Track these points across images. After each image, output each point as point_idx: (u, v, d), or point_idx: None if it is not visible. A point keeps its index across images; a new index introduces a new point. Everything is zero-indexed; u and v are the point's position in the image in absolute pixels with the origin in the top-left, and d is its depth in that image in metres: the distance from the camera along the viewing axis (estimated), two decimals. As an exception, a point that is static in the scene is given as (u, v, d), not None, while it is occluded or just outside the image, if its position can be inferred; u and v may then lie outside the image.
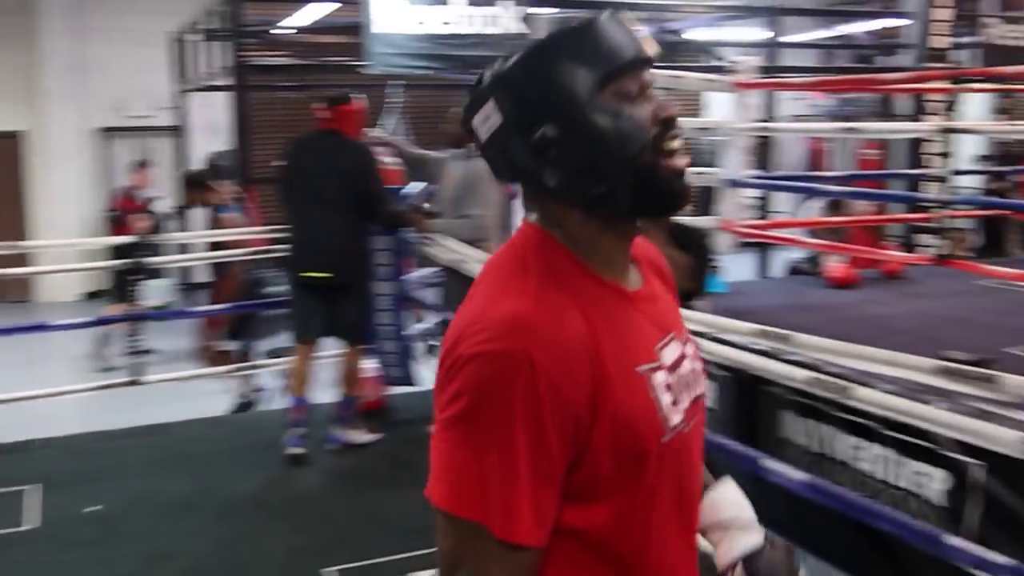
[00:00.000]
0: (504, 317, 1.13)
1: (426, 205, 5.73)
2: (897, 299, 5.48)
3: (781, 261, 8.87)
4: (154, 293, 8.66)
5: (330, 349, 5.48)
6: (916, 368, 2.18)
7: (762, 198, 9.38)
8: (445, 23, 7.82)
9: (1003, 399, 1.92)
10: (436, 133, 5.68)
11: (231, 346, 6.64)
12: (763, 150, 9.57)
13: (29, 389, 5.76)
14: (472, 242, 5.19)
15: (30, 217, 12.36)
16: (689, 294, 4.06)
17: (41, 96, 12.19)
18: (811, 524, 3.72)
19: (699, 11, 10.69)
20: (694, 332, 3.32)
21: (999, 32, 9.44)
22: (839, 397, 2.37)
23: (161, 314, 7.89)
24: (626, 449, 1.16)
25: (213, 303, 6.61)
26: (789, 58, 11.44)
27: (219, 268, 6.67)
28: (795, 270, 6.90)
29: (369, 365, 5.67)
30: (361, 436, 5.30)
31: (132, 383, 5.96)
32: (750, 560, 1.35)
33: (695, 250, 4.20)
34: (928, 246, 4.48)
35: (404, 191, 6.05)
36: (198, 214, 7.12)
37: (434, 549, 1.19)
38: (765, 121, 8.96)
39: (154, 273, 7.24)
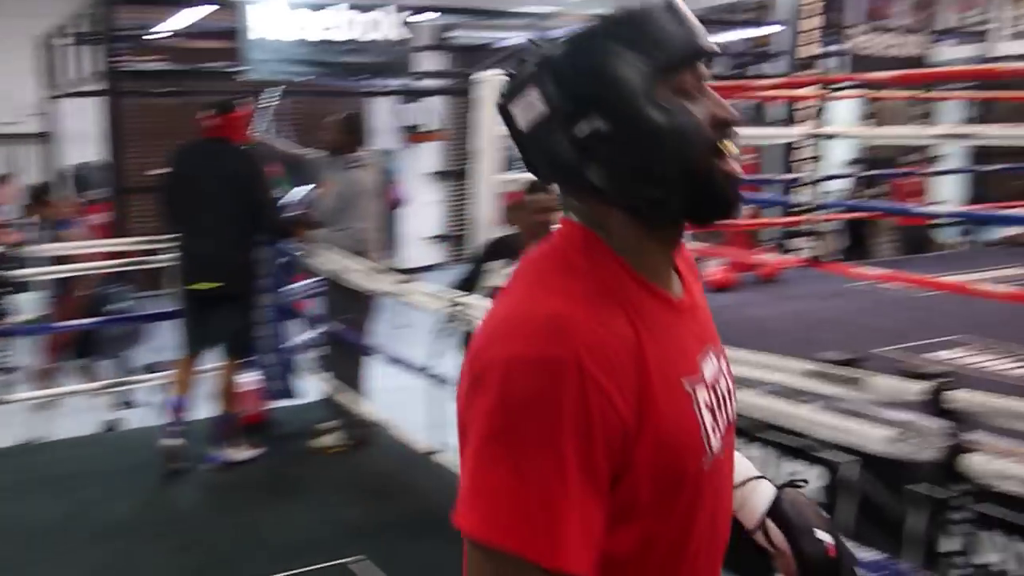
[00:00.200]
0: (548, 318, 1.02)
1: (308, 214, 5.63)
2: (773, 301, 5.62)
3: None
4: (24, 307, 8.30)
5: (212, 362, 5.34)
6: (789, 371, 2.21)
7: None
8: (325, 29, 7.73)
9: (870, 398, 1.96)
10: (315, 140, 5.58)
11: (77, 364, 6.44)
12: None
13: None
14: (353, 254, 5.12)
15: None
16: None
17: None
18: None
19: (579, 19, 10.78)
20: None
21: (864, 40, 9.80)
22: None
23: (19, 329, 7.56)
24: (665, 471, 1.07)
25: (57, 320, 6.39)
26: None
27: (62, 284, 6.46)
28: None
29: (249, 378, 5.53)
30: (241, 453, 5.17)
31: (-2, 403, 5.69)
32: (775, 510, 1.29)
33: None
34: (801, 249, 4.59)
35: (285, 199, 5.93)
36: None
37: (319, 566, 1.12)
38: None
39: (21, 287, 6.94)
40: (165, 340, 5.83)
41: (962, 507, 1.91)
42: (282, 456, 5.26)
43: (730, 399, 1.21)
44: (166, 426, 5.02)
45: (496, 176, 5.43)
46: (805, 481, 1.38)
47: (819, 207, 4.47)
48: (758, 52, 11.98)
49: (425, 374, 4.21)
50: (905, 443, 1.89)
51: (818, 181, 4.50)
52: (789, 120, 8.09)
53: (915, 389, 1.88)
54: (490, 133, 5.41)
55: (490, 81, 5.41)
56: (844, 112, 10.81)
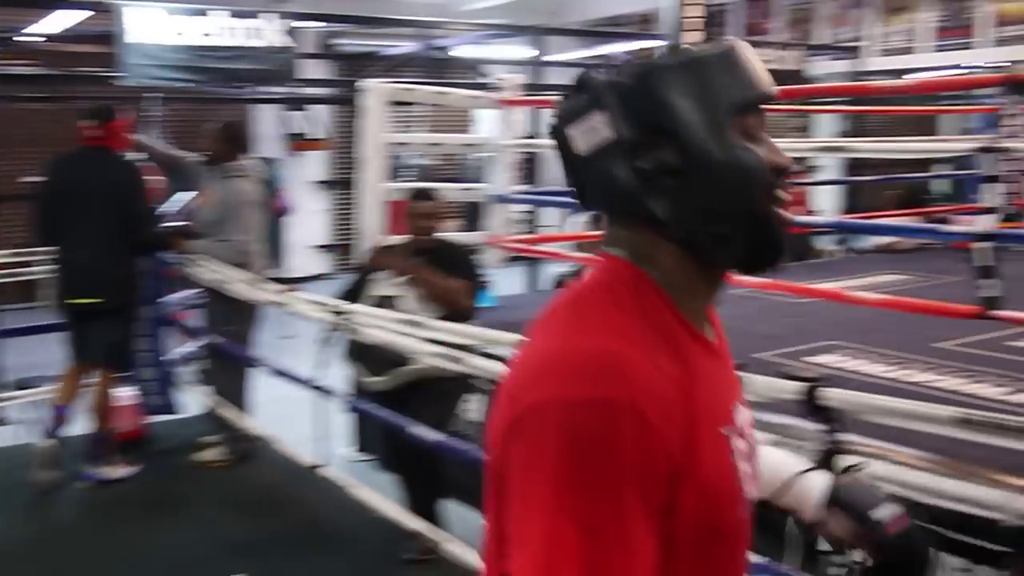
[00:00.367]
0: (601, 356, 0.99)
1: (187, 224, 5.49)
2: (657, 309, 5.69)
3: (549, 274, 9.08)
4: None
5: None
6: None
7: (531, 213, 9.58)
8: (205, 35, 7.56)
9: (750, 399, 1.99)
10: (196, 148, 5.44)
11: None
12: (531, 166, 9.79)
13: None
14: (235, 265, 5.00)
15: None
16: (465, 314, 4.09)
17: None
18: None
19: (466, 29, 10.84)
20: (459, 347, 3.34)
21: (743, 55, 10.04)
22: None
23: None
24: (705, 519, 1.03)
25: None
26: (557, 76, 11.78)
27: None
28: (561, 283, 7.06)
29: (127, 393, 5.36)
30: (117, 471, 5.00)
31: None
32: (837, 497, 1.27)
33: (466, 269, 4.21)
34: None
35: (164, 208, 5.78)
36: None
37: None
38: (531, 137, 9.16)
39: None
40: (39, 356, 5.61)
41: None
42: (162, 472, 5.11)
43: (755, 453, 1.19)
44: (43, 429, 4.84)
45: (382, 185, 5.39)
46: (860, 466, 1.37)
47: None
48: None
49: (310, 386, 4.14)
50: (782, 448, 1.92)
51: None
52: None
53: (791, 387, 1.92)
54: (376, 141, 5.37)
55: (375, 89, 5.37)
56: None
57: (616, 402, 0.95)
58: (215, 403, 5.24)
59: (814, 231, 9.74)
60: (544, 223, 11.04)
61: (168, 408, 5.55)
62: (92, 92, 7.78)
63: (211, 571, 3.89)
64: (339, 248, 12.50)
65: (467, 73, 11.36)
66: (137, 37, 7.29)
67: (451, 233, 6.34)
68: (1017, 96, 3.36)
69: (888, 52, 12.17)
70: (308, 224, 12.26)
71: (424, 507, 3.97)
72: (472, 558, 3.38)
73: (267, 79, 8.08)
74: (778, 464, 1.33)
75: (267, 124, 11.90)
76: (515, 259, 8.13)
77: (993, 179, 3.28)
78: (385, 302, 4.00)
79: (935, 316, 3.96)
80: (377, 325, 3.65)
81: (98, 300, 4.82)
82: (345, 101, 8.33)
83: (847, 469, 1.33)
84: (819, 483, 1.30)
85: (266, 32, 7.72)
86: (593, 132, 1.07)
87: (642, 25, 13.92)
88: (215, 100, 8.96)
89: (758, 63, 1.10)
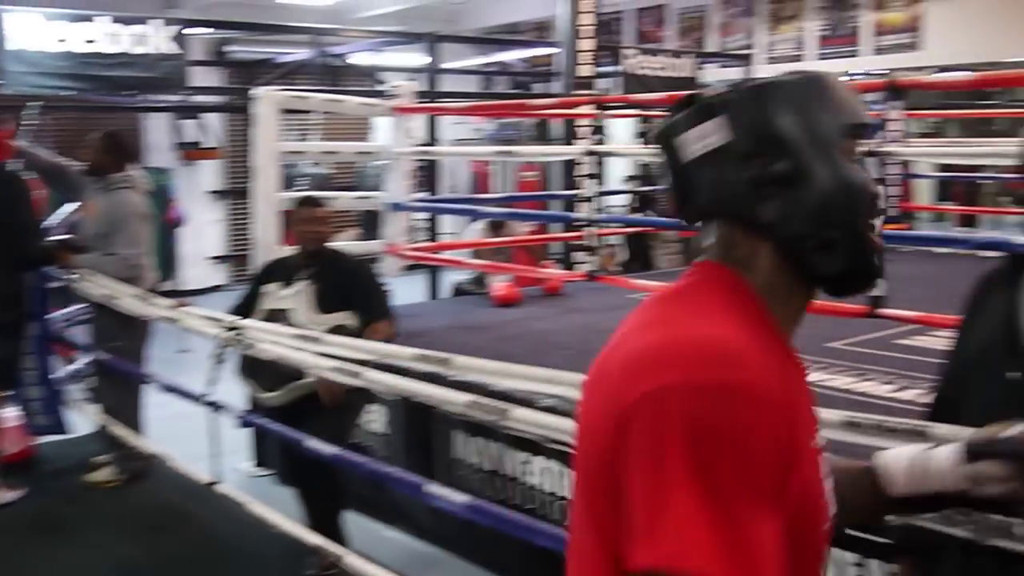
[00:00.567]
0: (717, 344, 1.01)
1: (72, 237, 5.29)
2: (558, 315, 5.72)
3: (450, 282, 9.07)
4: None
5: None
6: (567, 383, 2.24)
7: (431, 221, 9.54)
8: (88, 41, 7.32)
9: None
10: (80, 159, 5.25)
11: None
12: (430, 173, 9.75)
13: None
14: (124, 280, 4.84)
15: None
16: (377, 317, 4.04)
17: None
18: (484, 540, 3.78)
19: (360, 36, 10.75)
20: (355, 361, 3.29)
21: (637, 62, 10.21)
22: (498, 419, 2.40)
23: None
24: (797, 529, 1.03)
25: None
26: (453, 84, 11.76)
27: None
28: (459, 290, 7.05)
29: (11, 413, 5.16)
30: (2, 495, 4.80)
31: None
32: (980, 450, 1.26)
33: (363, 285, 4.16)
34: (582, 263, 4.70)
35: (48, 220, 5.59)
36: None
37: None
38: (428, 145, 9.14)
39: None
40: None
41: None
42: (51, 495, 4.93)
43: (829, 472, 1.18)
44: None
45: (276, 194, 5.30)
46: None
47: (595, 222, 4.59)
48: (541, 72, 12.28)
49: (203, 402, 4.04)
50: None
51: (596, 197, 4.62)
52: (569, 138, 8.30)
53: None
54: (269, 150, 5.28)
55: (268, 97, 5.28)
56: (622, 130, 11.23)
57: (740, 386, 0.97)
58: (105, 421, 5.07)
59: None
60: (446, 231, 11.04)
61: (56, 428, 5.35)
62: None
63: (103, 596, 3.77)
64: (235, 259, 12.28)
65: (363, 80, 11.26)
66: (17, 44, 7.04)
67: (348, 242, 6.28)
68: (896, 101, 3.46)
69: (775, 60, 12.48)
70: (203, 235, 12.02)
71: (324, 521, 3.90)
72: (374, 571, 3.33)
73: (156, 87, 7.87)
74: (905, 454, 1.34)
75: (159, 133, 11.62)
76: (415, 267, 8.10)
77: (878, 182, 3.37)
78: (276, 315, 3.92)
79: (825, 316, 4.06)
80: (270, 340, 3.57)
81: None
82: (238, 109, 8.17)
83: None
84: (950, 451, 1.30)
85: (153, 39, 7.52)
86: (706, 138, 1.12)
87: (537, 32, 14.02)
88: (103, 109, 8.68)
89: (855, 93, 1.18)
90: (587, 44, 8.75)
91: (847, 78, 10.69)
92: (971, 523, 1.51)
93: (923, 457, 1.31)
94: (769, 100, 1.11)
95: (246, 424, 3.94)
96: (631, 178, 11.35)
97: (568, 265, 7.42)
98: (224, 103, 10.48)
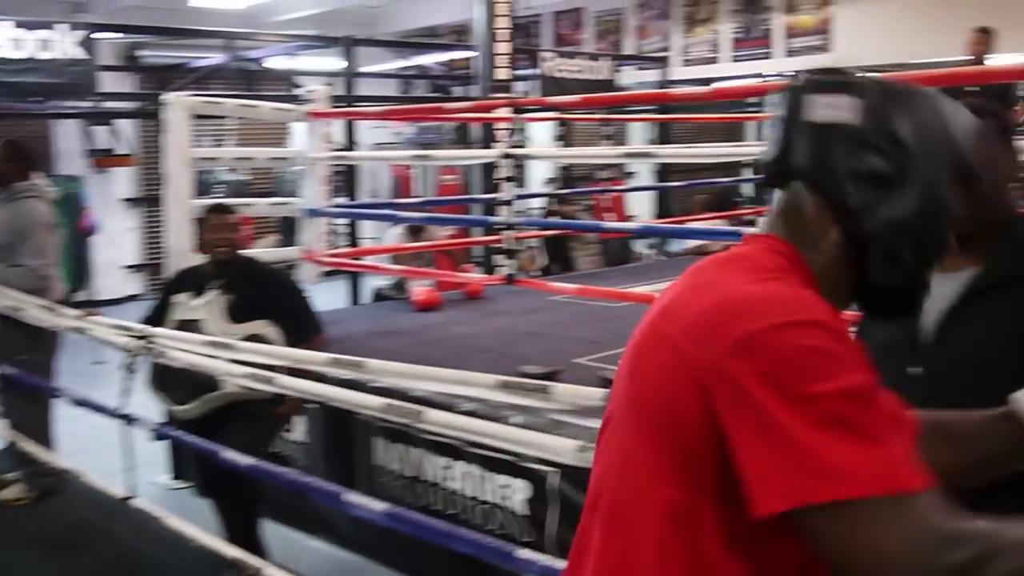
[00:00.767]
0: (794, 293, 1.06)
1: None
2: (478, 318, 5.71)
3: (370, 288, 9.01)
4: None
5: None
6: (480, 385, 2.23)
7: (351, 226, 9.47)
8: (-10, 47, 7.12)
9: (557, 407, 2.01)
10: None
11: None
12: (349, 178, 9.67)
13: None
14: (31, 291, 4.70)
15: None
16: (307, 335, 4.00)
17: None
18: (406, 547, 3.75)
19: (275, 40, 10.62)
20: (268, 367, 3.24)
21: (554, 65, 10.27)
22: (413, 422, 2.38)
23: None
24: None
25: None
26: (372, 88, 11.69)
27: None
28: (379, 295, 7.00)
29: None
30: None
31: None
32: None
33: (290, 294, 4.10)
34: (502, 266, 4.70)
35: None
36: None
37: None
38: (345, 149, 9.06)
39: None
40: None
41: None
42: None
43: None
44: None
45: (189, 201, 5.20)
46: None
47: (512, 225, 4.60)
48: (459, 75, 12.27)
49: (115, 415, 3.94)
50: (588, 452, 1.94)
51: (514, 200, 4.63)
52: (488, 141, 8.30)
53: (598, 395, 1.95)
54: (181, 156, 5.18)
55: (178, 102, 5.19)
56: (541, 133, 11.28)
57: (827, 321, 1.02)
58: (14, 437, 4.92)
59: (634, 235, 10.01)
60: (367, 236, 10.95)
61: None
62: None
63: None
64: (151, 268, 12.03)
65: (279, 85, 11.13)
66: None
67: (262, 249, 6.20)
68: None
69: (690, 62, 12.66)
70: (118, 243, 11.77)
71: (242, 532, 3.83)
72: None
73: (64, 93, 7.68)
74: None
75: (69, 140, 11.34)
76: (336, 273, 8.02)
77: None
78: (187, 326, 3.84)
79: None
80: (182, 348, 3.50)
81: None
82: (151, 115, 8.01)
83: None
84: None
85: (60, 44, 7.33)
86: (836, 109, 1.13)
87: (456, 36, 14.02)
88: (10, 116, 8.43)
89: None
90: (503, 47, 8.78)
91: (761, 80, 10.91)
92: None
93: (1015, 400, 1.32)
94: (909, 105, 1.15)
95: (160, 437, 3.86)
96: (551, 180, 11.41)
97: (489, 268, 7.42)
98: (136, 109, 10.26)
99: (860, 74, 1.18)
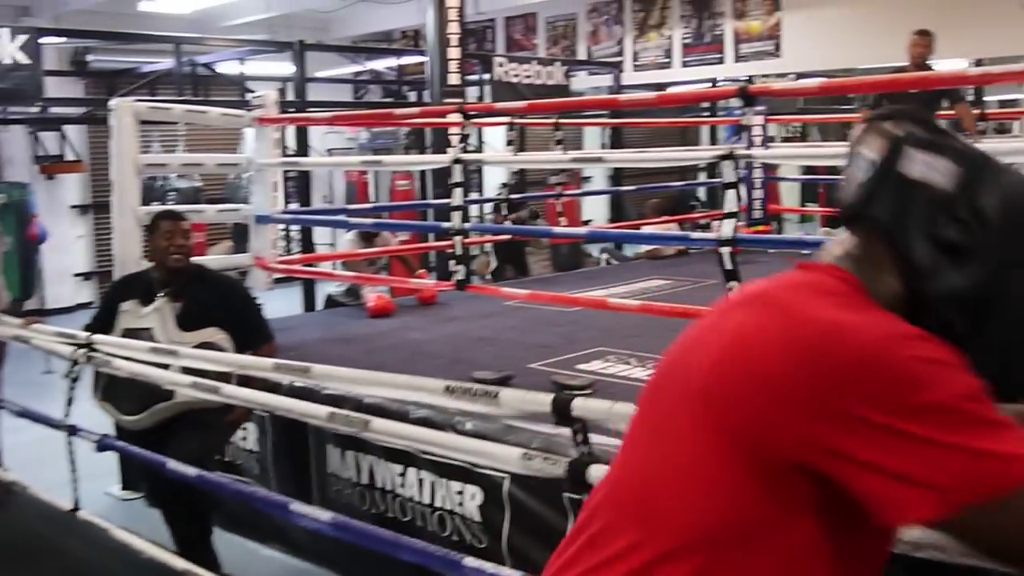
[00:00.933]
0: (888, 316, 1.10)
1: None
2: (432, 324, 5.70)
3: (324, 294, 8.96)
4: None
5: None
6: (427, 389, 2.22)
7: (305, 232, 9.42)
8: (-68, 52, 6.99)
9: (504, 413, 2.01)
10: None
11: None
12: (302, 184, 9.61)
13: None
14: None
15: None
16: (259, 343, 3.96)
17: None
18: (360, 555, 3.73)
19: (224, 45, 10.53)
20: (215, 375, 3.21)
21: (507, 70, 10.28)
22: (359, 431, 2.37)
23: None
24: None
25: None
26: (327, 93, 11.63)
27: None
28: (332, 302, 6.95)
29: None
30: None
31: None
32: None
33: (241, 302, 4.06)
34: (454, 272, 4.69)
35: None
36: None
37: None
38: (298, 155, 9.01)
39: None
40: None
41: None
42: None
43: None
44: None
45: (139, 208, 5.14)
46: None
47: (462, 231, 4.59)
48: (412, 80, 12.25)
49: (60, 426, 3.87)
50: (535, 461, 1.94)
51: (464, 206, 4.63)
52: (442, 146, 8.30)
53: (545, 400, 1.94)
54: (128, 162, 5.12)
55: (125, 107, 5.13)
56: (497, 138, 11.30)
57: (929, 335, 1.05)
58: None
59: (584, 240, 10.04)
60: (323, 242, 10.89)
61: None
62: None
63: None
64: (102, 276, 11.88)
65: (231, 90, 11.04)
66: None
67: (212, 256, 6.14)
68: (748, 107, 3.56)
69: (642, 67, 12.74)
70: (68, 251, 11.62)
71: (192, 543, 3.79)
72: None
73: (9, 98, 7.56)
74: None
75: (16, 146, 11.16)
76: (290, 279, 7.96)
77: (732, 186, 3.46)
78: (135, 334, 3.78)
79: (691, 319, 4.15)
80: (126, 357, 3.45)
81: None
82: (100, 120, 7.91)
83: None
84: None
85: (3, 48, 7.21)
86: (932, 170, 1.15)
87: (409, 41, 13.99)
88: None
89: None
90: (454, 53, 8.77)
91: (711, 86, 11.01)
92: None
93: None
94: (1003, 185, 1.15)
95: (103, 448, 3.80)
96: (504, 185, 11.43)
97: (444, 274, 7.40)
98: (84, 114, 10.13)
99: (963, 139, 1.20)
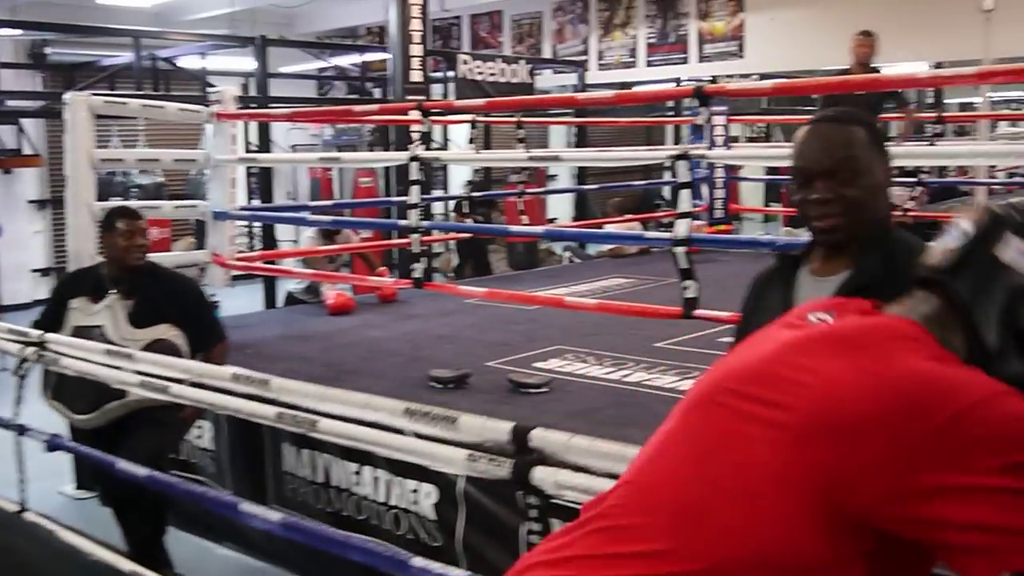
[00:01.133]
0: (976, 372, 1.11)
1: None
2: (391, 322, 5.68)
3: (284, 291, 8.91)
4: None
5: None
6: (385, 410, 2.21)
7: (267, 229, 9.35)
8: None
9: (463, 439, 1.99)
10: None
11: None
12: (265, 180, 9.54)
13: None
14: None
15: None
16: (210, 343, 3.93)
17: None
18: (316, 554, 3.70)
19: (185, 40, 10.43)
20: (172, 379, 3.17)
21: (471, 68, 10.26)
22: (307, 431, 2.35)
23: None
24: None
25: None
26: (291, 88, 11.56)
27: None
28: (292, 299, 6.92)
29: None
30: None
31: None
32: None
33: (194, 301, 4.02)
34: (412, 270, 4.68)
35: None
36: None
37: None
38: (260, 151, 8.94)
39: None
40: None
41: (537, 518, 1.99)
42: None
43: None
44: None
45: (94, 204, 5.08)
46: None
47: (419, 229, 4.57)
48: (375, 77, 12.19)
49: (11, 424, 3.81)
50: (479, 462, 1.94)
51: (421, 203, 4.61)
52: (405, 143, 8.26)
53: (504, 429, 1.94)
54: (84, 157, 5.06)
55: (80, 102, 5.07)
56: (462, 136, 11.28)
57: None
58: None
59: (542, 239, 10.06)
60: (285, 239, 10.82)
61: None
62: None
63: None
64: (60, 272, 11.73)
65: (193, 85, 10.94)
66: None
67: (169, 254, 6.08)
68: (705, 107, 3.57)
69: (606, 66, 12.77)
70: (25, 247, 11.47)
71: (144, 543, 3.75)
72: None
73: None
74: None
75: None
76: (251, 277, 7.90)
77: (687, 185, 3.47)
78: (86, 332, 3.73)
79: (648, 318, 4.16)
80: (78, 356, 3.40)
81: None
82: (58, 114, 7.80)
83: None
84: None
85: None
86: (1021, 261, 1.16)
87: (374, 37, 13.93)
88: None
89: None
90: (417, 50, 8.74)
91: (676, 85, 11.03)
92: None
93: None
94: None
95: (53, 448, 3.74)
96: (469, 183, 11.40)
97: (405, 272, 7.38)
98: (42, 108, 9.99)
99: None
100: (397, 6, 8.73)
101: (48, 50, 11.68)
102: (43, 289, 11.71)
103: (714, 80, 11.74)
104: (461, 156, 7.79)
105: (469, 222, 9.72)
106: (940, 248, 1.22)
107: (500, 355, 4.73)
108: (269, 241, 9.16)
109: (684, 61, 12.10)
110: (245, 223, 10.92)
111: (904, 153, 3.83)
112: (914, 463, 1.04)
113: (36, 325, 3.83)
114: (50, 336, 3.60)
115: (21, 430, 3.67)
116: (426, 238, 5.22)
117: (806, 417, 1.10)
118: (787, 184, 5.66)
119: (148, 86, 9.73)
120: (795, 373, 1.14)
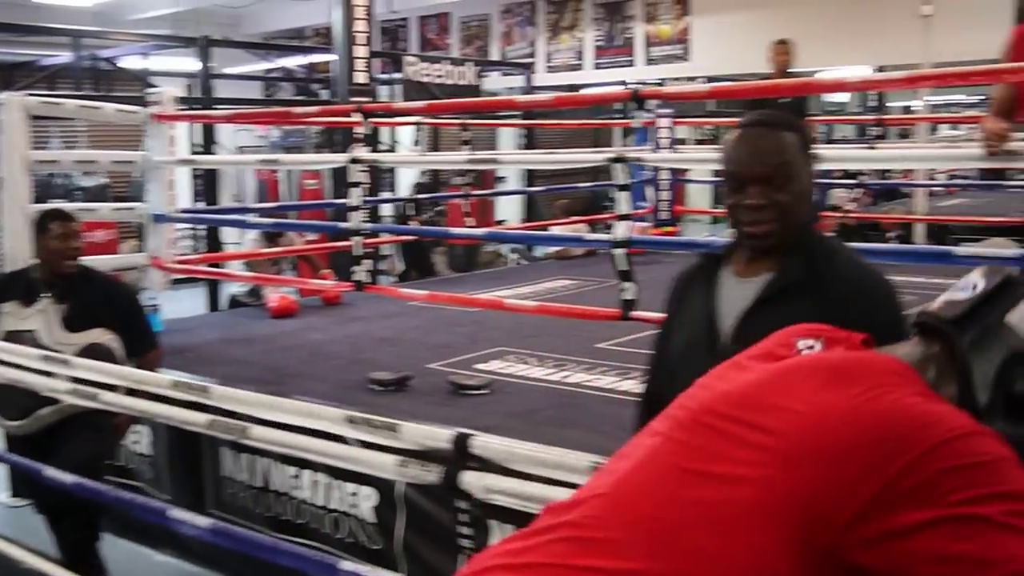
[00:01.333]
0: (959, 412, 1.11)
1: None
2: (334, 325, 5.66)
3: (227, 294, 8.83)
4: None
5: None
6: (327, 418, 2.19)
7: (211, 231, 9.25)
8: None
9: (404, 446, 1.99)
10: None
11: None
12: (209, 182, 9.44)
13: None
14: None
15: None
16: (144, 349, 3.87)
17: None
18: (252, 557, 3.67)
19: (128, 39, 10.29)
20: (109, 386, 3.13)
21: (418, 69, 10.24)
22: (238, 438, 2.33)
23: None
24: None
25: None
26: (237, 89, 11.44)
27: None
28: (235, 302, 6.85)
29: None
30: None
31: None
32: None
33: (127, 306, 3.97)
34: (354, 272, 4.66)
35: None
36: None
37: None
38: (203, 153, 8.84)
39: None
40: None
41: (468, 522, 1.99)
42: None
43: None
44: None
45: (28, 206, 4.99)
46: None
47: (360, 232, 4.56)
48: (320, 78, 12.12)
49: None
50: (410, 468, 1.93)
51: (361, 205, 4.59)
52: (349, 145, 8.23)
53: (444, 436, 1.94)
54: (18, 159, 4.98)
55: (13, 102, 4.98)
56: (409, 138, 11.24)
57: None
58: None
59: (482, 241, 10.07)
60: (229, 240, 10.70)
61: None
62: None
63: None
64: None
65: (135, 86, 10.80)
66: None
67: (107, 256, 5.99)
68: (640, 109, 3.60)
69: (554, 68, 12.81)
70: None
71: (77, 551, 3.69)
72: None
73: None
74: None
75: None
76: (194, 280, 7.81)
77: (624, 188, 3.49)
78: (18, 336, 3.66)
79: (588, 319, 4.18)
80: (17, 364, 3.33)
81: None
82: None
83: None
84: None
85: None
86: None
87: (321, 38, 13.85)
88: None
89: None
90: (362, 51, 8.71)
91: (623, 87, 11.10)
92: None
93: None
94: None
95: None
96: (417, 185, 11.38)
97: (348, 275, 7.35)
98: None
99: None
100: (341, 7, 8.69)
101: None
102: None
103: (661, 83, 11.85)
104: (402, 158, 7.77)
105: (413, 225, 9.70)
106: (946, 298, 1.23)
107: (442, 357, 4.72)
108: (213, 244, 9.06)
109: (631, 64, 12.18)
110: (189, 226, 10.79)
111: (844, 157, 3.89)
112: (889, 494, 1.04)
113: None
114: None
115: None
116: (370, 240, 5.19)
117: (794, 443, 1.10)
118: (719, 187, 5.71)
119: (88, 86, 9.58)
120: (786, 400, 1.15)
